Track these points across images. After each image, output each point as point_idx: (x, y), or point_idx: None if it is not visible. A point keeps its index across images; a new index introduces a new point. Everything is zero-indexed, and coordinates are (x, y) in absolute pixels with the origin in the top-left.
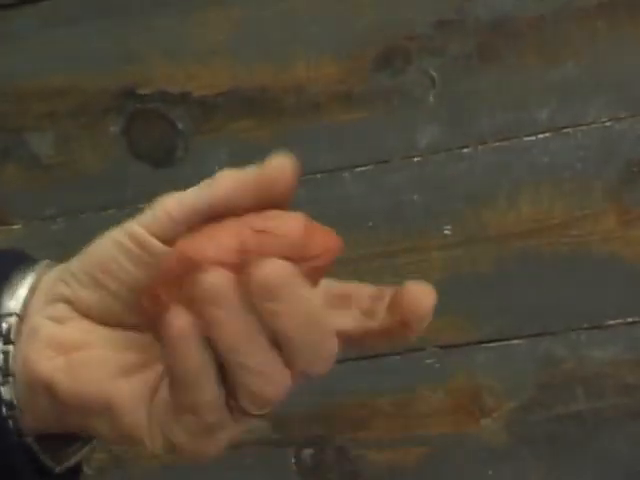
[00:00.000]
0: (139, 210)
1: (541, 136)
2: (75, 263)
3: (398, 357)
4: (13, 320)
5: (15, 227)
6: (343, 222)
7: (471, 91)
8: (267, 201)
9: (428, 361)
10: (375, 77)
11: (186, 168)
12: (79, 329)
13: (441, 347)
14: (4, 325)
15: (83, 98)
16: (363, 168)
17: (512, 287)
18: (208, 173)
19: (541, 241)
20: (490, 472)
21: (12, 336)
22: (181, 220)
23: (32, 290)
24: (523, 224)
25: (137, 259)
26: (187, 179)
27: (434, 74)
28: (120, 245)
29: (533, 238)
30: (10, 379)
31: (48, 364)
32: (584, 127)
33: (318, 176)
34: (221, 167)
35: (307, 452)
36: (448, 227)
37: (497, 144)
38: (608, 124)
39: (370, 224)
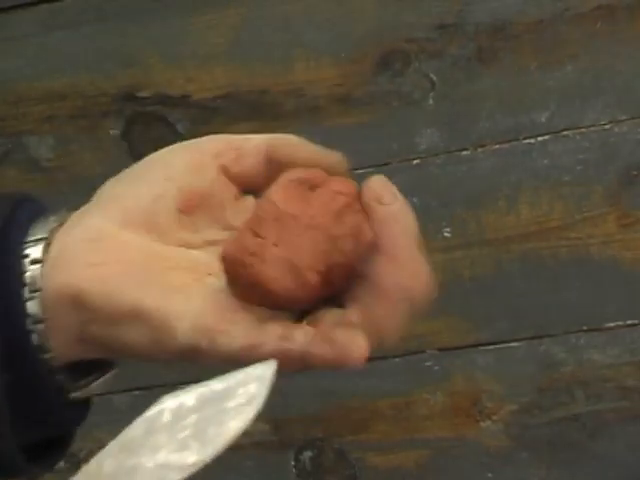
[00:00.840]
0: None
1: (540, 139)
2: (107, 188)
3: (397, 360)
4: (42, 243)
5: None
6: None
7: (470, 94)
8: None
9: (427, 364)
10: (375, 80)
11: None
12: (112, 243)
13: (440, 350)
14: (33, 248)
15: (83, 101)
16: (362, 171)
17: (511, 290)
18: None
19: (540, 244)
20: (490, 475)
21: (40, 255)
22: (244, 157)
23: (63, 217)
24: (522, 227)
25: (193, 171)
26: None
27: (434, 77)
28: (179, 160)
29: (532, 241)
30: (37, 294)
31: (77, 274)
32: (583, 130)
33: None
34: None
35: (306, 454)
36: (448, 230)
37: (496, 147)
38: (607, 127)
39: None
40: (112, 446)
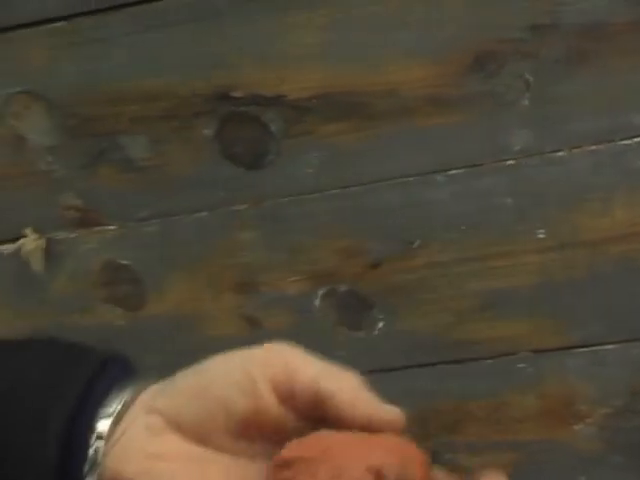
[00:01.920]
0: (231, 212)
1: (636, 140)
2: (182, 380)
3: (489, 361)
4: (109, 421)
5: (109, 228)
6: (435, 226)
7: (565, 94)
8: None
9: (520, 365)
10: (468, 80)
11: (278, 171)
12: (168, 441)
13: (533, 351)
14: (101, 424)
15: (176, 101)
16: (455, 171)
17: (606, 292)
18: (300, 176)
19: (635, 246)
20: (582, 478)
21: (106, 434)
22: (297, 392)
23: (132, 399)
24: (617, 228)
25: (248, 395)
26: (279, 182)
27: (528, 77)
28: (235, 380)
29: (627, 242)
30: (96, 472)
31: (132, 467)
32: None
33: (410, 179)
34: (313, 171)
35: None
36: (542, 231)
37: (592, 148)
38: None
39: (462, 228)
40: None
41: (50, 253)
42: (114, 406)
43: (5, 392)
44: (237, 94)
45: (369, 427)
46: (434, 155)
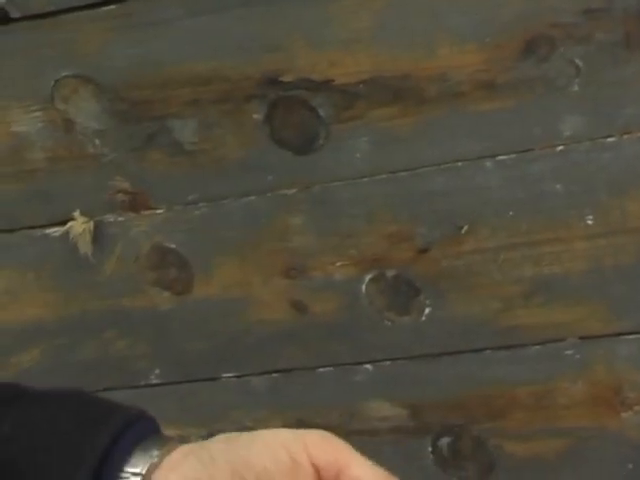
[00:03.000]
0: (280, 197)
1: None
2: (218, 448)
3: (538, 347)
4: (138, 477)
5: (158, 212)
6: (484, 211)
7: (616, 80)
8: None
9: (568, 352)
10: (519, 65)
11: (327, 156)
12: None
13: (581, 338)
14: None
15: (226, 86)
16: (505, 157)
17: None
18: (349, 161)
19: None
20: (630, 466)
21: None
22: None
23: (160, 457)
24: None
25: (285, 471)
26: (328, 167)
27: (579, 63)
28: (275, 455)
29: None
30: None
31: None
32: None
33: (459, 164)
34: (362, 155)
35: (444, 441)
36: (591, 217)
37: None
38: None
39: (511, 213)
40: None
41: (99, 236)
42: (141, 466)
43: (30, 445)
44: (287, 78)
45: None
46: (484, 140)
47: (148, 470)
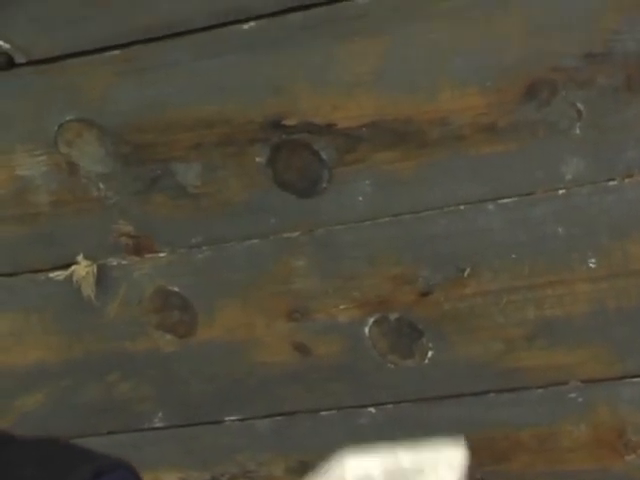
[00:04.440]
0: (283, 240)
1: None
2: None
3: (541, 390)
4: None
5: (162, 255)
6: (486, 254)
7: (618, 124)
8: None
9: (571, 395)
10: (521, 109)
11: (330, 198)
12: None
13: (584, 381)
14: None
15: (230, 129)
16: (507, 200)
17: None
18: (352, 204)
19: None
20: None
21: None
22: None
23: None
24: None
25: None
26: (331, 210)
27: (580, 106)
28: None
29: None
30: None
31: None
32: None
33: (461, 207)
34: (365, 198)
35: None
36: (593, 260)
37: None
38: None
39: (513, 256)
40: None
41: (102, 279)
42: None
43: None
44: (290, 122)
45: None
46: (486, 184)
47: None
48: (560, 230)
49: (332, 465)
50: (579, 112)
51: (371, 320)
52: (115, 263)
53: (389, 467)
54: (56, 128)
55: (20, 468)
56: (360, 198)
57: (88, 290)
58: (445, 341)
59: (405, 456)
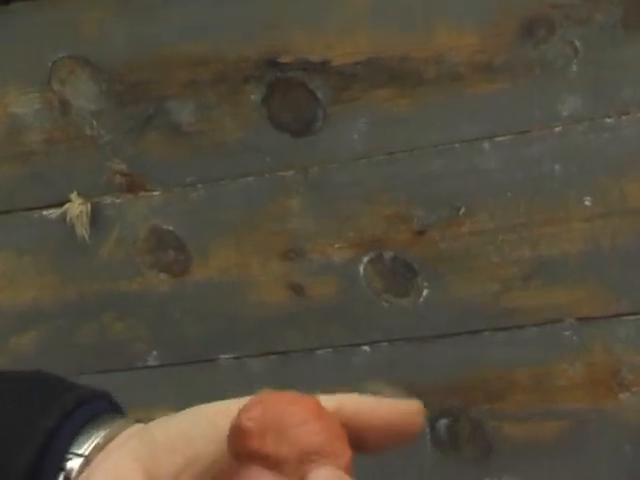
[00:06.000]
0: (278, 179)
1: None
2: (159, 426)
3: (536, 329)
4: (80, 460)
5: (155, 194)
6: (481, 193)
7: (615, 61)
8: (381, 432)
9: (566, 333)
10: (517, 47)
11: (325, 138)
12: None
13: (579, 319)
14: (70, 463)
15: (224, 67)
16: (503, 138)
17: None
18: (347, 143)
19: None
20: (628, 447)
21: (73, 474)
22: None
23: (105, 441)
24: None
25: (223, 437)
26: (326, 148)
27: (577, 44)
28: (215, 426)
29: None
30: None
31: None
32: None
33: (457, 146)
34: (360, 137)
35: (442, 423)
36: (589, 198)
37: None
38: None
39: (509, 195)
40: None
41: (96, 218)
42: (85, 447)
43: None
44: (285, 60)
45: (392, 425)
46: (481, 122)
47: (92, 452)
48: (556, 168)
49: None
50: (576, 49)
51: (366, 259)
52: (109, 202)
53: None
54: (49, 65)
55: (2, 396)
56: (355, 137)
57: (82, 229)
58: (440, 280)
59: None
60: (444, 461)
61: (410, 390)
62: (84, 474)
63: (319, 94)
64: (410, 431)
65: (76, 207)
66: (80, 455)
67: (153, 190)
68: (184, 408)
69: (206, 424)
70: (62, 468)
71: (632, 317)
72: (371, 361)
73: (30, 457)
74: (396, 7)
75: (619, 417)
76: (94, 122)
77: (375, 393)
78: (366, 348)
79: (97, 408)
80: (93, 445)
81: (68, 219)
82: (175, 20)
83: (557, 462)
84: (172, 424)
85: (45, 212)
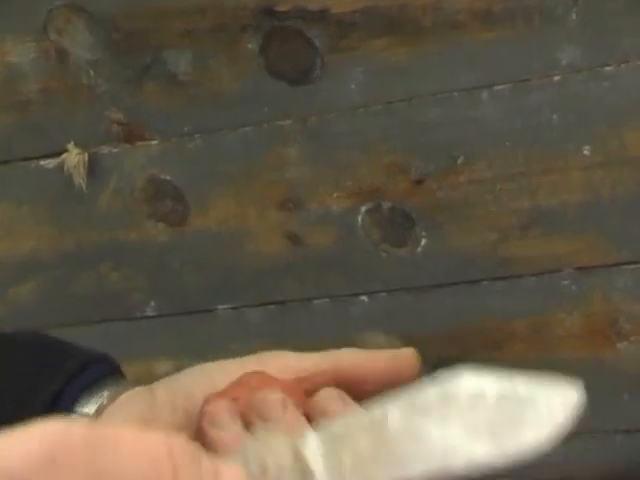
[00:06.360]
0: (276, 128)
1: None
2: (161, 386)
3: (534, 278)
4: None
5: (153, 143)
6: (480, 142)
7: (615, 9)
8: (379, 384)
9: (564, 283)
10: None
11: (323, 87)
12: None
13: (578, 269)
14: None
15: (221, 16)
16: (502, 87)
17: None
18: (345, 92)
19: None
20: (626, 397)
21: None
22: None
23: (110, 400)
24: None
25: None
26: (324, 98)
27: None
28: (216, 385)
29: None
30: None
31: None
32: None
33: (455, 95)
34: (358, 86)
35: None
36: (587, 147)
37: None
38: None
39: (507, 144)
40: (402, 400)
41: (93, 168)
42: (90, 407)
43: None
44: (282, 8)
45: (388, 375)
46: (480, 71)
47: (96, 411)
48: (555, 117)
49: (446, 377)
50: None
51: (364, 209)
52: (106, 152)
53: (504, 391)
54: (46, 14)
55: (5, 358)
56: (353, 86)
57: (79, 179)
58: (438, 230)
59: (521, 383)
60: None
61: (408, 340)
62: None
63: (317, 43)
64: (406, 379)
65: (73, 157)
66: (85, 414)
67: (150, 139)
68: (182, 358)
69: (206, 382)
70: None
71: (631, 266)
72: (369, 311)
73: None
74: None
75: (617, 366)
76: (91, 71)
77: (373, 343)
78: (364, 298)
79: (99, 371)
80: (97, 405)
81: (65, 169)
82: None
83: None
84: (173, 383)
85: (42, 162)
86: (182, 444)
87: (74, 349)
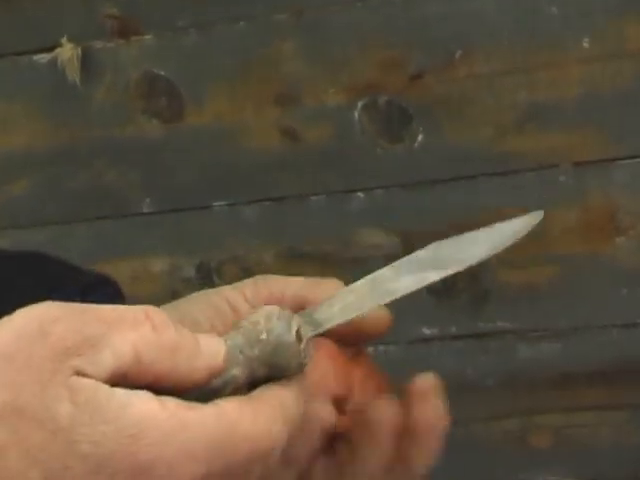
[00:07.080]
0: (271, 22)
1: None
2: (164, 311)
3: (532, 174)
4: None
5: (147, 37)
6: (478, 36)
7: None
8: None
9: (562, 178)
10: None
11: None
12: None
13: (576, 164)
14: None
15: None
16: None
17: None
18: None
19: None
20: (625, 291)
21: None
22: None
23: None
24: None
25: (228, 322)
26: None
27: None
28: (216, 308)
29: None
30: None
31: None
32: None
33: None
34: None
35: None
36: (587, 40)
37: None
38: None
39: (506, 38)
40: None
41: (87, 64)
42: None
43: None
44: None
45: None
46: None
47: None
48: (554, 10)
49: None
50: None
51: (360, 104)
52: (100, 46)
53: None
54: None
55: (5, 282)
56: None
57: (73, 74)
58: (435, 125)
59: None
60: (439, 307)
61: (405, 237)
62: None
63: None
64: (378, 335)
65: (67, 52)
66: None
67: (145, 34)
68: (178, 255)
69: (209, 307)
70: None
71: (629, 161)
72: (366, 208)
73: None
74: None
75: (615, 261)
76: None
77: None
78: (361, 194)
79: (102, 295)
80: None
81: (59, 64)
82: None
83: (552, 307)
84: (178, 308)
85: (35, 57)
86: (158, 310)
87: (76, 271)
